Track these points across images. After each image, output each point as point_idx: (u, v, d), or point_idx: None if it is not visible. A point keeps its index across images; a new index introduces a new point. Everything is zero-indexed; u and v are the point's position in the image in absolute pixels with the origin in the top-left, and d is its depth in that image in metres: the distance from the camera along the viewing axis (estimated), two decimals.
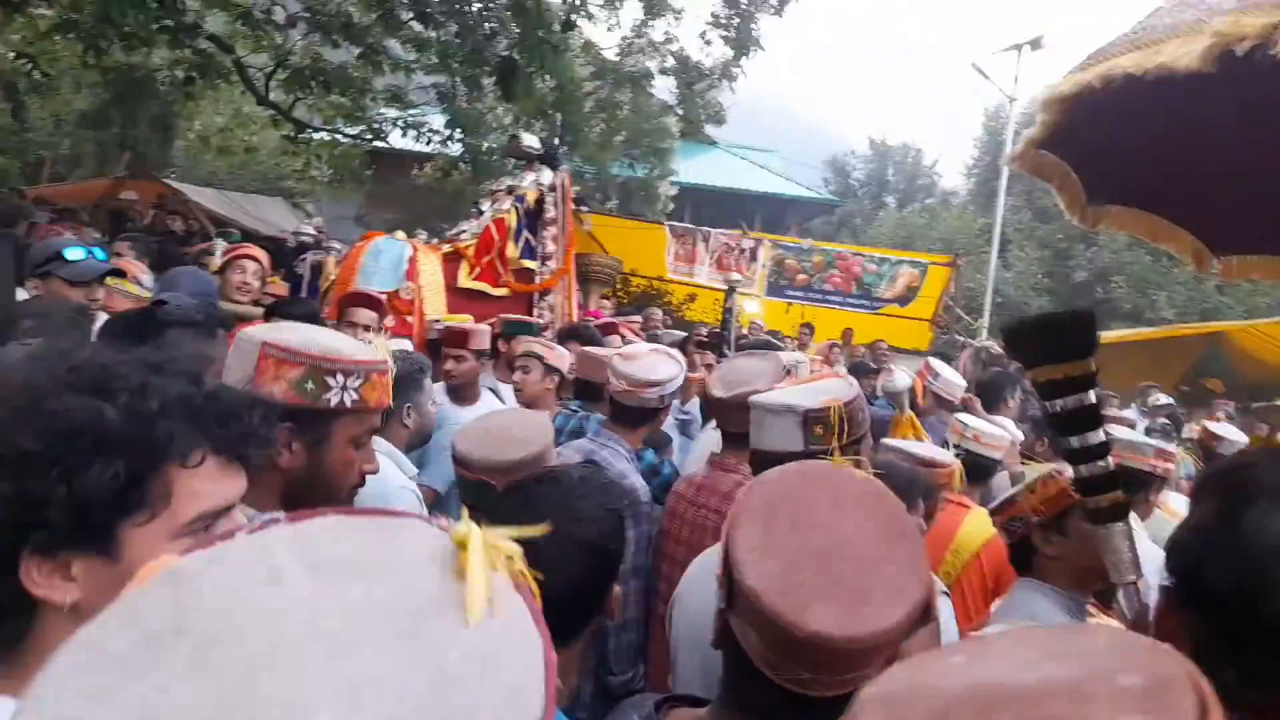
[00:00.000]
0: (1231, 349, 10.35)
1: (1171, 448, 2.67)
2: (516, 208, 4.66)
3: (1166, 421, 6.03)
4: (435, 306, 4.22)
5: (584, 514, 1.17)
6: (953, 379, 4.05)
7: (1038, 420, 3.90)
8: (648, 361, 2.38)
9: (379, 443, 2.18)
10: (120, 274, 3.25)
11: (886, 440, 2.78)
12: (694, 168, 18.20)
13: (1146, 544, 1.77)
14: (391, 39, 9.16)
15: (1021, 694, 0.41)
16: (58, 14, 7.35)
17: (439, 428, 2.65)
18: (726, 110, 12.26)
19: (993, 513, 1.87)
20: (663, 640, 1.79)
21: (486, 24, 7.38)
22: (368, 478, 1.45)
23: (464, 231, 4.68)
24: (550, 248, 4.76)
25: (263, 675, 0.36)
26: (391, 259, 4.14)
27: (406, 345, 3.20)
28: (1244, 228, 2.30)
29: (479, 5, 7.44)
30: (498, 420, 1.99)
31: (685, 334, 5.49)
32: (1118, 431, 2.32)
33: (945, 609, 1.05)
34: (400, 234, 4.44)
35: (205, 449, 0.85)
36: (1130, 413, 6.44)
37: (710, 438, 2.62)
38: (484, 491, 1.72)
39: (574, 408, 2.96)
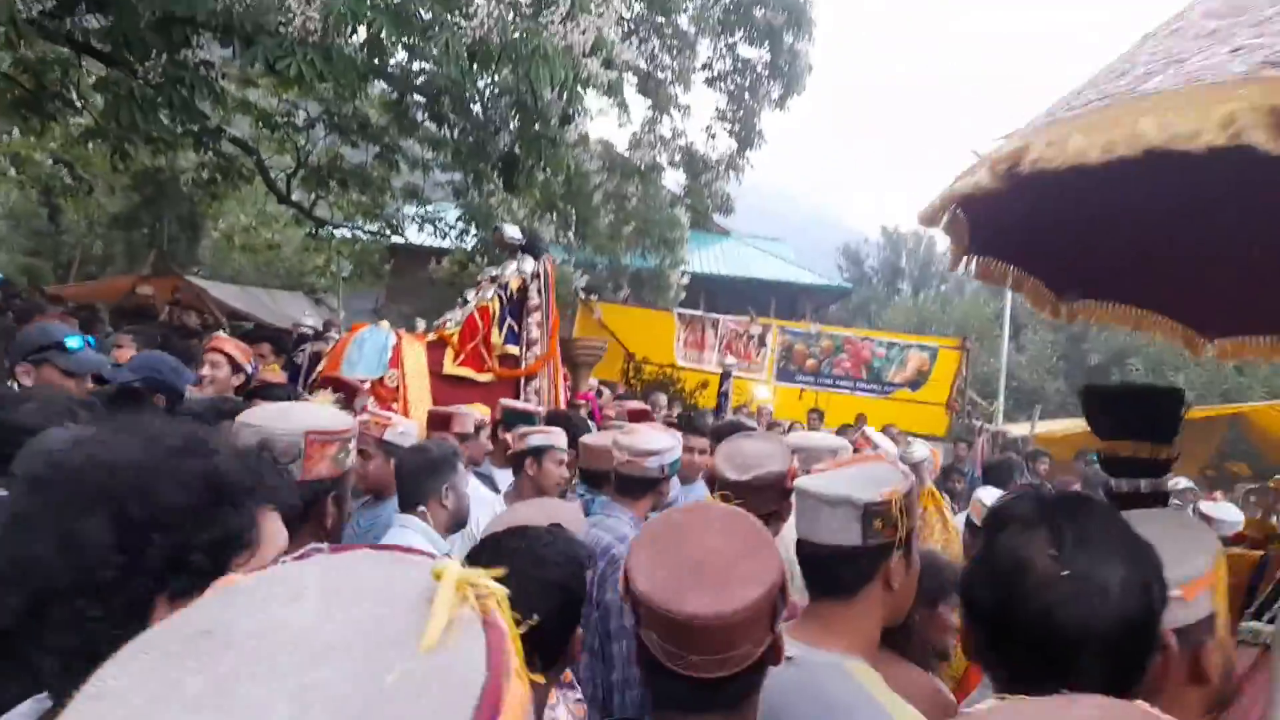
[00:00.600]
0: (1254, 430, 10.08)
1: None
2: (500, 295, 4.76)
3: (1179, 504, 5.79)
4: (419, 393, 4.23)
5: (548, 560, 1.39)
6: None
7: None
8: (645, 434, 2.66)
9: (412, 522, 2.28)
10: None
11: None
12: (707, 257, 18.50)
13: None
14: (408, 139, 9.55)
15: None
16: (90, 120, 7.77)
17: None
18: (734, 201, 12.49)
19: None
20: None
21: (490, 123, 7.70)
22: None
23: (449, 319, 4.77)
24: (535, 333, 4.83)
25: (245, 676, 0.40)
26: (375, 347, 4.19)
27: (412, 428, 3.17)
28: (1224, 310, 2.19)
29: (483, 104, 7.78)
30: (526, 511, 2.04)
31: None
32: None
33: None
34: (385, 323, 4.51)
35: (268, 500, 0.99)
36: None
37: None
38: None
39: (580, 492, 3.18)
